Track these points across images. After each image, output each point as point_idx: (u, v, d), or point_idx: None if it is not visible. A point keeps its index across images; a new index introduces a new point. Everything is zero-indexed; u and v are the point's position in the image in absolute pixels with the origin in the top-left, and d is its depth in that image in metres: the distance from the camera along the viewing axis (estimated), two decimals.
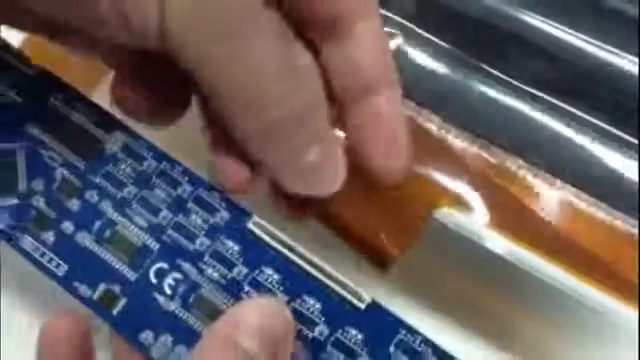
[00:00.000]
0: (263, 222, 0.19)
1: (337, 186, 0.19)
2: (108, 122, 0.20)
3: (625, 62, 0.25)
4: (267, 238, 0.19)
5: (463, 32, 0.25)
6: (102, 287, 0.19)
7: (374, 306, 0.18)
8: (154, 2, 0.16)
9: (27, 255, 0.19)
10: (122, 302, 0.19)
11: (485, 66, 0.25)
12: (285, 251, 0.19)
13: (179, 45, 0.17)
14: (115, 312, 0.19)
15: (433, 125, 0.24)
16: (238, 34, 0.17)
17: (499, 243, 0.23)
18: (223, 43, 0.17)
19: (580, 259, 0.22)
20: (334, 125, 0.19)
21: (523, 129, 0.24)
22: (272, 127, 0.18)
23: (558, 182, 0.24)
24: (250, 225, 0.19)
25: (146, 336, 0.18)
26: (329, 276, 0.19)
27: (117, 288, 0.19)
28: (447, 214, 0.23)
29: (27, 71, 0.20)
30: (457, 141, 0.24)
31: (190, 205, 0.19)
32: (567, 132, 0.25)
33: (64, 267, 0.19)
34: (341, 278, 0.19)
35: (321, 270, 0.19)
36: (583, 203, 0.24)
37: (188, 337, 0.18)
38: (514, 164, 0.24)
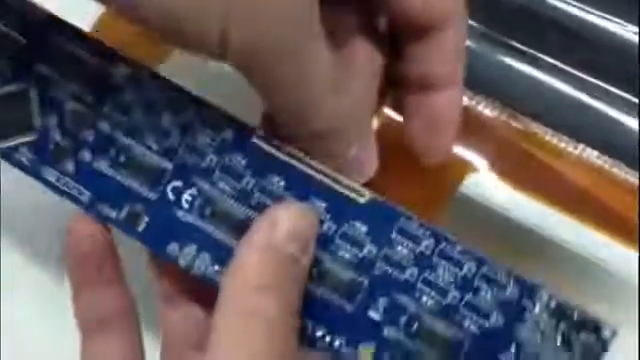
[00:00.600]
0: (266, 135, 0.21)
1: (372, 173, 0.21)
2: (111, 55, 0.21)
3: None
4: (271, 149, 0.21)
5: (490, 12, 0.29)
6: (126, 208, 0.21)
7: (373, 200, 0.20)
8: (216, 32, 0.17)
9: (51, 185, 0.21)
10: (145, 220, 0.21)
11: (511, 41, 0.28)
12: (288, 159, 0.21)
13: (238, 65, 0.18)
14: (140, 229, 0.21)
15: (465, 97, 0.27)
16: (297, 49, 0.17)
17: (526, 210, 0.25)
18: (283, 61, 0.17)
19: (605, 217, 0.25)
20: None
21: (547, 98, 0.27)
22: (321, 134, 0.19)
23: (580, 145, 0.27)
24: (254, 139, 0.21)
25: (173, 248, 0.20)
26: (330, 177, 0.21)
27: (139, 207, 0.21)
28: (474, 184, 0.25)
29: (28, 13, 0.21)
30: (486, 111, 0.27)
31: (196, 126, 0.21)
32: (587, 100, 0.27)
33: (87, 194, 0.21)
34: (341, 178, 0.21)
35: (322, 173, 0.21)
36: (605, 164, 0.26)
37: (209, 245, 0.20)
38: (539, 130, 0.27)
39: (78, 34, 0.21)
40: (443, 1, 0.19)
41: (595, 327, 0.20)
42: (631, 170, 0.27)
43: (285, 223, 0.19)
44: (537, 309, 0.20)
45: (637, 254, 0.28)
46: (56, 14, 0.21)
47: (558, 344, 0.20)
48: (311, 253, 0.20)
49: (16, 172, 0.21)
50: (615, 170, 0.27)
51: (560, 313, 0.20)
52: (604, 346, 0.20)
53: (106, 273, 0.21)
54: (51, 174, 0.21)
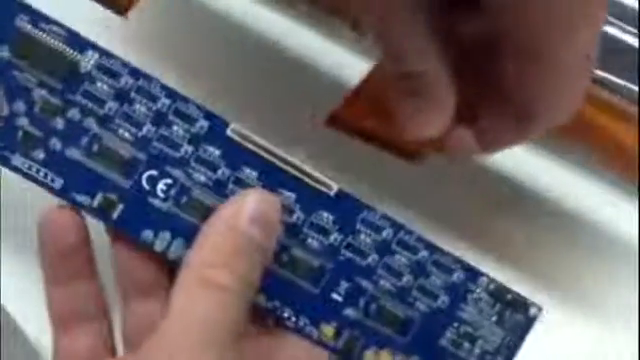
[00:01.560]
0: (240, 128, 0.21)
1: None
2: (78, 41, 0.21)
3: None
4: (244, 142, 0.21)
5: None
6: (99, 195, 0.21)
7: (340, 193, 0.22)
8: None
9: (21, 172, 0.21)
10: (120, 207, 0.21)
11: None
12: (260, 151, 0.22)
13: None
14: (115, 216, 0.21)
15: None
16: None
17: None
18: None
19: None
20: None
21: None
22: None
23: None
24: (228, 132, 0.21)
25: (147, 234, 0.21)
26: (301, 171, 0.22)
27: (113, 195, 0.21)
28: None
29: None
30: None
31: (171, 117, 0.21)
32: None
33: (59, 181, 0.21)
34: (311, 171, 0.22)
35: (293, 166, 0.22)
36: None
37: (185, 231, 0.21)
38: None
39: (45, 19, 0.20)
40: None
41: (524, 306, 0.23)
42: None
43: (249, 207, 0.21)
44: (478, 291, 0.23)
45: (637, 213, 0.30)
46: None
47: (494, 321, 0.23)
48: (274, 238, 0.21)
49: None
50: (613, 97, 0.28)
51: (497, 295, 0.23)
52: (531, 322, 0.23)
53: (83, 267, 0.21)
54: (20, 162, 0.21)
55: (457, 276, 0.23)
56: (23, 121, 0.21)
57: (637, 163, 0.28)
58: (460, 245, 0.22)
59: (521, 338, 0.23)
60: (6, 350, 0.26)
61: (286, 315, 0.22)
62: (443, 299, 0.23)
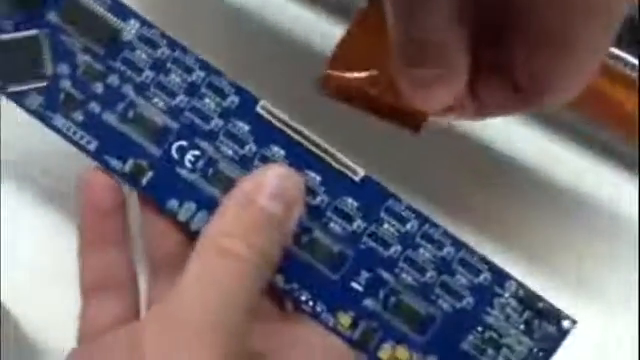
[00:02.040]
0: (269, 106, 0.21)
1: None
2: (122, 10, 0.21)
3: None
4: (273, 120, 0.21)
5: None
6: (131, 161, 0.22)
7: (367, 179, 0.21)
8: None
9: (60, 132, 0.22)
10: (149, 174, 0.22)
11: None
12: (289, 131, 0.21)
13: None
14: (144, 183, 0.22)
15: None
16: None
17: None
18: None
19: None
20: None
21: None
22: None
23: None
24: (258, 108, 0.21)
25: (172, 204, 0.22)
26: (328, 153, 0.21)
27: (144, 162, 0.22)
28: None
29: None
30: None
31: (203, 90, 0.21)
32: None
33: (94, 143, 0.22)
34: (339, 155, 0.21)
35: (321, 147, 0.21)
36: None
37: (209, 204, 0.22)
38: None
39: None
40: None
41: (556, 318, 0.21)
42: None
43: (270, 182, 0.20)
44: (506, 296, 0.21)
45: (637, 193, 0.29)
46: None
47: (521, 329, 0.21)
48: (295, 216, 0.21)
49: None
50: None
51: (526, 302, 0.21)
52: (563, 336, 0.21)
53: (117, 233, 0.22)
54: (60, 122, 0.22)
55: (484, 277, 0.21)
56: (66, 83, 0.22)
57: (637, 127, 0.26)
58: (452, 224, 0.21)
59: (551, 351, 0.21)
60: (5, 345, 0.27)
61: (303, 298, 0.22)
62: (468, 300, 0.21)
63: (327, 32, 0.30)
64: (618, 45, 0.27)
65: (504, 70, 0.19)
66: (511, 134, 0.30)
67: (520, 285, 0.21)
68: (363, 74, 0.21)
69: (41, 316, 0.28)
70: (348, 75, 0.21)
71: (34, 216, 0.29)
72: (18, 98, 0.22)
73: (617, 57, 0.26)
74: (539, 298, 0.21)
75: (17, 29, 0.21)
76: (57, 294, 0.26)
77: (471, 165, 0.29)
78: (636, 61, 0.27)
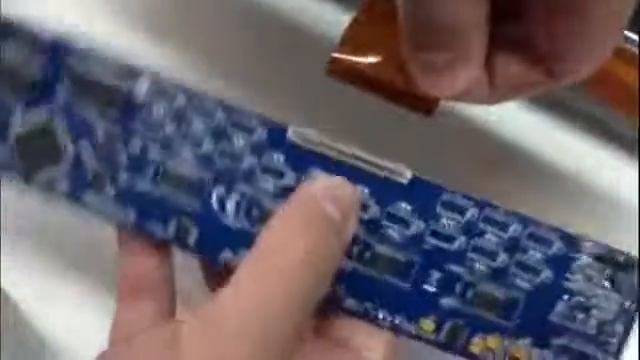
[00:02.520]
0: (299, 130, 0.21)
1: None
2: (128, 70, 0.21)
3: None
4: (306, 143, 0.21)
5: None
6: (173, 223, 0.21)
7: (415, 179, 0.21)
8: None
9: (95, 211, 0.21)
10: (195, 232, 0.21)
11: None
12: (325, 150, 0.21)
13: None
14: (192, 242, 0.21)
15: None
16: None
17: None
18: None
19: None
20: None
21: None
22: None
23: None
24: (289, 135, 0.21)
25: (225, 255, 0.21)
26: (369, 162, 0.21)
27: (187, 220, 0.21)
28: None
29: (39, 38, 0.21)
30: None
31: (229, 131, 0.21)
32: None
33: (133, 214, 0.21)
34: (381, 162, 0.21)
35: (361, 159, 0.21)
36: None
37: None
38: None
39: (90, 52, 0.21)
40: None
41: (638, 264, 0.21)
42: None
43: (320, 187, 0.20)
44: (583, 259, 0.21)
45: (637, 177, 0.29)
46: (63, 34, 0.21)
47: (607, 287, 0.21)
48: (351, 225, 0.20)
49: None
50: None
51: (605, 258, 0.21)
52: None
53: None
54: (93, 200, 0.21)
55: (557, 247, 0.21)
56: (90, 159, 0.21)
57: (637, 102, 0.26)
58: None
59: None
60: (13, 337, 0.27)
61: (381, 316, 0.21)
62: (546, 274, 0.21)
63: (334, 20, 0.30)
64: None
65: (523, 43, 0.18)
66: (513, 120, 0.30)
67: (595, 243, 0.21)
68: (371, 59, 0.21)
69: (41, 301, 0.27)
70: (356, 59, 0.20)
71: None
72: (46, 187, 0.21)
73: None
74: (618, 251, 0.21)
75: (29, 116, 0.21)
76: (58, 279, 0.25)
77: (473, 150, 0.29)
78: (636, 37, 0.27)
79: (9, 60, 0.21)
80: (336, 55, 0.21)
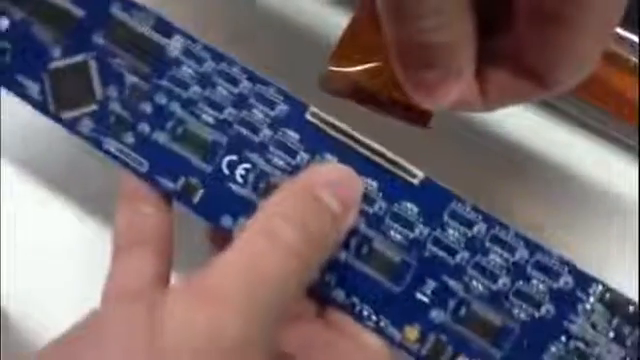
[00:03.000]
0: (320, 112, 0.21)
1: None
2: (166, 27, 0.21)
3: None
4: (324, 126, 0.20)
5: None
6: (182, 180, 0.21)
7: (427, 181, 0.20)
8: None
9: (112, 155, 0.22)
10: (200, 192, 0.21)
11: None
12: (341, 137, 0.20)
13: None
14: (196, 201, 0.21)
15: None
16: None
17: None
18: None
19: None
20: None
21: None
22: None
23: None
24: (308, 116, 0.21)
25: (226, 220, 0.21)
26: (383, 157, 0.20)
27: (195, 180, 0.21)
28: None
29: None
30: None
31: (251, 101, 0.21)
32: None
33: (146, 164, 0.21)
34: (395, 158, 0.20)
35: (376, 151, 0.20)
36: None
37: None
38: None
39: (136, 7, 0.21)
40: None
41: None
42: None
43: (325, 174, 0.20)
44: (591, 301, 0.19)
45: (637, 171, 0.28)
46: None
47: (611, 337, 0.19)
48: (349, 219, 0.20)
49: None
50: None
51: (614, 307, 0.19)
52: None
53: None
54: (112, 145, 0.21)
55: (564, 281, 0.19)
56: (115, 106, 0.21)
57: (637, 113, 0.25)
58: None
59: None
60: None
61: (366, 313, 0.20)
62: (547, 308, 0.19)
63: (332, 22, 0.29)
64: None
65: (513, 54, 0.18)
66: (512, 120, 0.29)
67: (607, 288, 0.19)
68: (365, 66, 0.20)
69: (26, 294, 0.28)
70: (350, 69, 0.20)
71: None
72: (71, 124, 0.22)
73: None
74: (629, 301, 0.19)
75: (65, 55, 0.22)
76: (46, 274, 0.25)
77: (472, 150, 0.28)
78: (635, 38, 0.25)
79: (54, 2, 0.22)
80: (330, 69, 0.20)
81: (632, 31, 0.26)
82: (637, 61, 0.26)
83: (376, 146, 0.20)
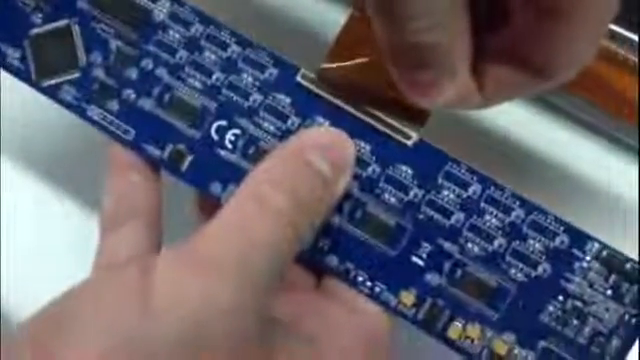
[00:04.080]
0: (310, 74, 0.20)
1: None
2: None
3: None
4: (315, 89, 0.20)
5: None
6: (169, 147, 0.21)
7: (421, 143, 0.20)
8: None
9: (96, 124, 0.21)
10: (189, 159, 0.21)
11: None
12: (332, 98, 0.20)
13: None
14: (184, 169, 0.21)
15: None
16: None
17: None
18: None
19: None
20: None
21: None
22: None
23: None
24: (299, 78, 0.20)
25: (215, 187, 0.20)
26: (377, 119, 0.20)
27: (183, 147, 0.21)
28: None
29: None
30: None
31: (240, 65, 0.20)
32: None
33: (132, 132, 0.21)
34: (388, 119, 0.20)
35: (368, 113, 0.20)
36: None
37: None
38: None
39: None
40: None
41: None
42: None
43: (315, 137, 0.19)
44: (587, 259, 0.19)
45: (637, 171, 0.28)
46: None
47: (609, 295, 0.19)
48: (342, 182, 0.19)
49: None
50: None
51: (612, 264, 0.19)
52: None
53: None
54: (96, 113, 0.21)
55: (560, 240, 0.19)
56: (99, 72, 0.21)
57: (637, 112, 0.25)
58: None
59: None
60: None
61: (360, 279, 0.20)
62: (544, 267, 0.19)
63: (328, 18, 0.29)
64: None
65: (510, 48, 0.18)
66: (512, 119, 0.30)
67: (603, 246, 0.19)
68: (361, 64, 0.20)
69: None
70: (346, 67, 0.20)
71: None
72: (52, 92, 0.21)
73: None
74: (626, 258, 0.19)
75: (47, 21, 0.21)
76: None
77: (471, 150, 0.28)
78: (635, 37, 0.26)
79: None
80: (324, 65, 0.20)
81: (632, 31, 0.26)
82: (637, 61, 0.26)
83: (369, 108, 0.20)
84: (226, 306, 0.17)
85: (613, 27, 0.26)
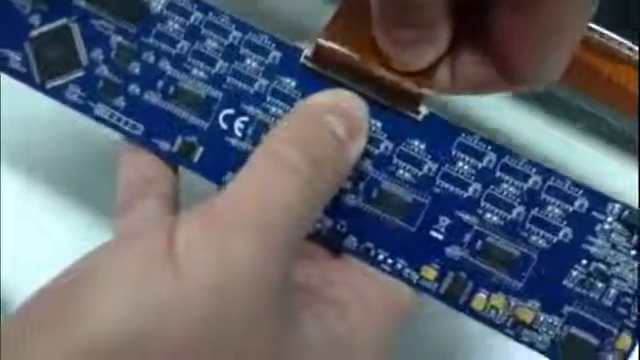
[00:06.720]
0: (314, 54, 0.20)
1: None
2: None
3: None
4: (320, 68, 0.20)
5: None
6: (179, 139, 0.20)
7: (431, 116, 0.20)
8: None
9: (104, 121, 0.21)
10: (200, 150, 0.20)
11: None
12: (339, 77, 0.20)
13: None
14: (196, 160, 0.20)
15: None
16: None
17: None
18: None
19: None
20: None
21: None
22: None
23: None
24: (303, 59, 0.20)
25: (229, 177, 0.20)
26: (385, 95, 0.20)
27: (193, 138, 0.20)
28: None
29: None
30: None
31: (243, 51, 0.20)
32: None
33: (140, 127, 0.21)
34: (397, 95, 0.20)
35: (376, 90, 0.20)
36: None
37: None
38: None
39: None
40: None
41: None
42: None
43: (335, 101, 0.19)
44: (609, 221, 0.19)
45: (637, 171, 0.28)
46: None
47: (632, 255, 0.19)
48: (357, 146, 0.19)
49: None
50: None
51: (634, 224, 0.19)
52: None
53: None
54: (103, 110, 0.21)
55: (580, 204, 0.19)
56: (102, 69, 0.21)
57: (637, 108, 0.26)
58: None
59: None
60: None
61: (381, 257, 0.20)
62: (565, 232, 0.19)
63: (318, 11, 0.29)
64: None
65: (483, 42, 0.19)
66: (512, 119, 0.30)
67: (624, 206, 0.19)
68: (356, 45, 0.19)
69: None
70: (340, 47, 0.19)
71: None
72: (58, 93, 0.21)
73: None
74: None
75: (46, 22, 0.21)
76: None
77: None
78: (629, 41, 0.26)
79: None
80: (319, 43, 0.20)
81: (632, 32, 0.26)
82: (637, 59, 0.25)
83: (377, 84, 0.20)
84: (247, 268, 0.16)
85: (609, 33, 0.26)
